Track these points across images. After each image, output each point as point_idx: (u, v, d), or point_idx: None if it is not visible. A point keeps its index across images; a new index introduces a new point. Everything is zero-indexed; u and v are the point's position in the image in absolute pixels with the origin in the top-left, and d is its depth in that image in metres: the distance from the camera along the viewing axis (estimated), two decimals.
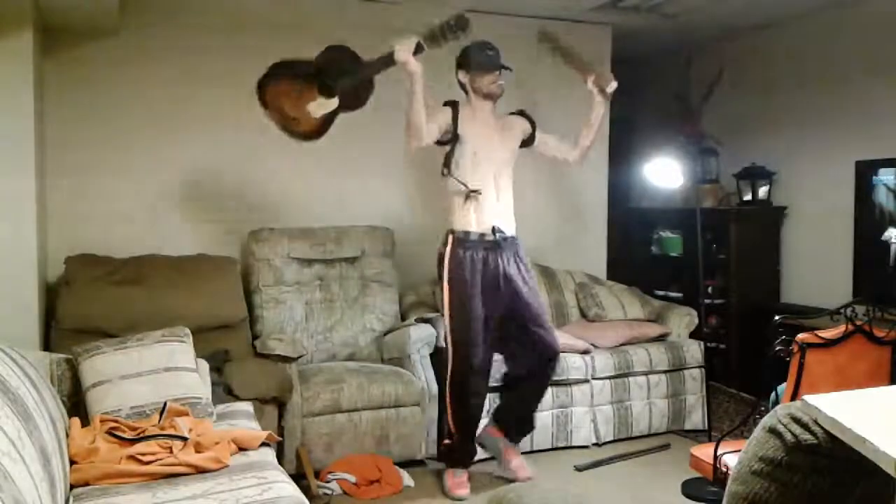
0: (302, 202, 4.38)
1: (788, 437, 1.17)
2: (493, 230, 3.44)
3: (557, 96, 4.94)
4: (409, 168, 4.52)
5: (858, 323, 2.62)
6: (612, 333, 4.29)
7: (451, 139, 3.46)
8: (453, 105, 3.50)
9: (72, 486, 2.28)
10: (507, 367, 3.70)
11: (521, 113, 3.68)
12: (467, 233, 3.44)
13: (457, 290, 3.43)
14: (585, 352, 4.12)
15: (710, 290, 5.03)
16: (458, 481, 3.48)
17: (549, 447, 3.99)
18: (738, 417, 4.32)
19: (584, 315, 4.65)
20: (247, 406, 3.15)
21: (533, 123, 3.66)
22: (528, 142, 3.65)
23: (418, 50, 3.14)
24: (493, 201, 3.47)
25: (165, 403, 2.69)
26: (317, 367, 3.85)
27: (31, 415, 1.97)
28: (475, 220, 3.44)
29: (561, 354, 3.75)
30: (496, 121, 3.56)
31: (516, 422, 3.66)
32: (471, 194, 3.42)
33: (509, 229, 3.51)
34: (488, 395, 3.69)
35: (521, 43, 4.83)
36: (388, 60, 3.20)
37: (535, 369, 3.58)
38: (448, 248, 3.46)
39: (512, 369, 3.68)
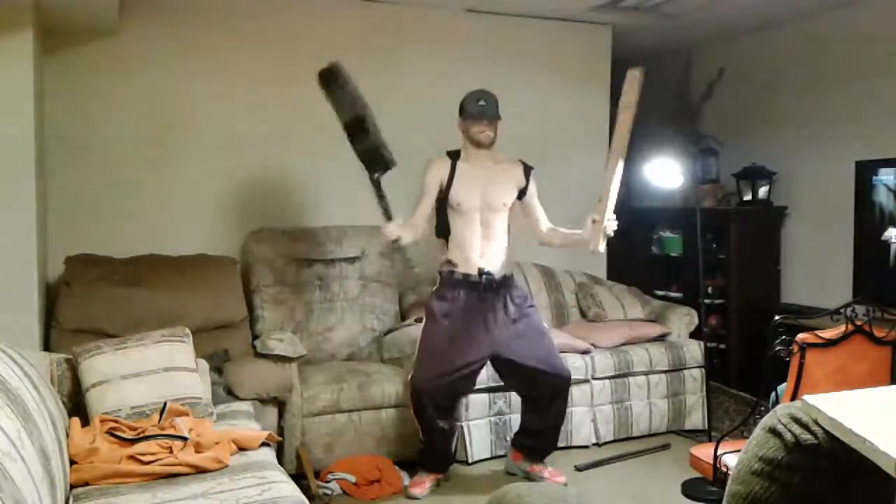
0: (302, 202, 4.38)
1: (788, 437, 1.17)
2: (480, 272, 3.44)
3: (554, 97, 4.95)
4: (411, 168, 4.52)
5: (858, 323, 2.61)
6: (612, 333, 4.29)
7: (442, 196, 3.51)
8: (453, 156, 3.53)
9: (72, 486, 2.28)
10: (519, 396, 3.69)
11: (525, 164, 3.61)
12: (452, 272, 3.50)
13: (429, 321, 3.52)
14: (585, 352, 4.12)
15: (710, 290, 5.03)
16: (417, 480, 3.50)
17: None
18: (738, 417, 4.32)
19: (584, 315, 4.65)
20: (247, 406, 3.15)
21: (528, 177, 3.58)
22: (520, 195, 3.58)
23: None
24: (478, 246, 3.48)
25: (165, 403, 2.69)
26: (317, 367, 3.85)
27: (31, 415, 1.97)
28: (460, 260, 3.48)
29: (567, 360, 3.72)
30: (493, 167, 3.53)
31: (535, 445, 3.65)
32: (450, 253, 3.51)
33: (504, 269, 3.50)
34: (509, 417, 3.82)
35: (521, 42, 4.85)
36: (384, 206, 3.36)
37: (545, 398, 3.56)
38: (436, 286, 3.57)
39: (524, 397, 3.66)
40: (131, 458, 2.39)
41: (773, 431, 1.20)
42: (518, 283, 3.68)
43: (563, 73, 4.94)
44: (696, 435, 4.21)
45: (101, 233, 3.94)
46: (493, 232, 3.51)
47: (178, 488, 2.24)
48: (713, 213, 5.04)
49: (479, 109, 3.46)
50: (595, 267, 5.09)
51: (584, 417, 4.07)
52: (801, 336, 2.58)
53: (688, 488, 3.43)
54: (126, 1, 3.77)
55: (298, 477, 3.21)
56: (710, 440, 3.57)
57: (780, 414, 1.21)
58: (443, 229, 3.56)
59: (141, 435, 2.53)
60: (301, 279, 4.12)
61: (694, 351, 4.34)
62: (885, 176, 4.23)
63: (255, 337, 3.85)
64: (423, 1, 4.50)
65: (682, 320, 4.52)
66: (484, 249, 3.49)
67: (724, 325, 5.08)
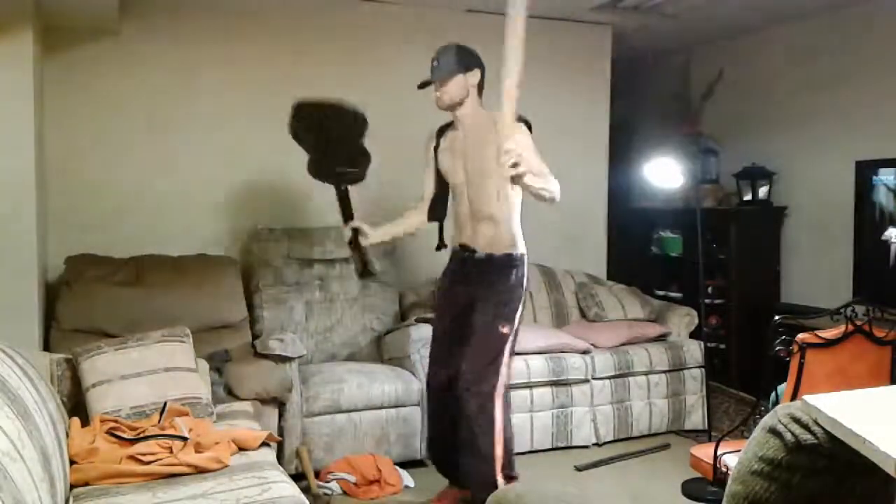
0: (302, 202, 4.38)
1: (788, 437, 1.17)
2: (463, 248, 3.21)
3: (554, 97, 4.95)
4: (411, 168, 4.51)
5: (858, 323, 2.61)
6: (612, 333, 4.29)
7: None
8: (443, 128, 3.33)
9: (72, 486, 2.28)
10: None
11: (521, 119, 3.17)
12: (452, 248, 3.34)
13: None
14: (585, 352, 4.12)
15: (710, 290, 5.03)
16: (440, 492, 3.31)
17: (549, 447, 3.98)
18: (738, 417, 4.32)
19: (584, 315, 4.65)
20: (247, 406, 3.15)
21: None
22: None
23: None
24: (468, 224, 3.18)
25: (165, 403, 2.69)
26: (317, 367, 3.85)
27: (31, 415, 1.97)
28: (455, 237, 3.28)
29: (471, 378, 3.07)
30: (479, 133, 3.11)
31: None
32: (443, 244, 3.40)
33: (488, 248, 3.11)
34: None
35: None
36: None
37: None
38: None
39: None
40: (131, 458, 2.38)
41: (773, 431, 1.20)
42: (509, 275, 3.10)
43: (563, 73, 4.94)
44: (696, 435, 4.21)
45: (101, 233, 3.94)
46: (483, 209, 3.11)
47: (178, 488, 2.24)
48: (713, 214, 5.04)
49: (431, 71, 3.18)
50: (595, 267, 5.10)
51: (584, 417, 4.07)
52: (801, 336, 2.58)
53: (688, 488, 3.43)
54: (126, 1, 3.77)
55: (298, 477, 3.21)
56: (710, 440, 3.57)
57: (780, 414, 1.21)
58: (432, 211, 3.36)
59: (141, 435, 2.53)
60: (301, 279, 4.12)
61: (694, 351, 4.34)
62: (885, 176, 4.23)
63: (255, 337, 3.85)
64: (423, 1, 4.50)
65: (682, 320, 4.52)
66: (474, 228, 3.14)
67: (724, 325, 5.09)
